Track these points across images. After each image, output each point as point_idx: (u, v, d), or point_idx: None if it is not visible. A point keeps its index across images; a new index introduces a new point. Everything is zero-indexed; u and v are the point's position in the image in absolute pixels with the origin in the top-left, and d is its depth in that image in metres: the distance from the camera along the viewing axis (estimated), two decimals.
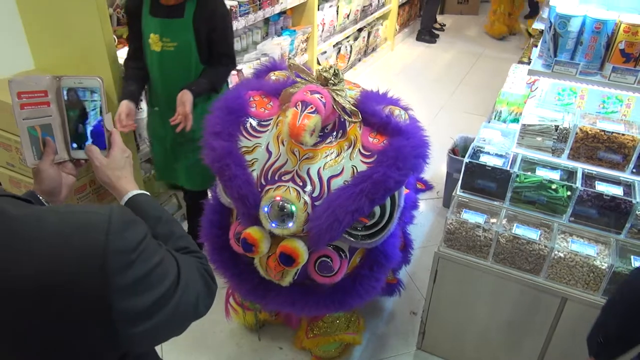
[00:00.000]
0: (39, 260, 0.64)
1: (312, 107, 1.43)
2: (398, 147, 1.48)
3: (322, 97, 1.47)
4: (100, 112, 1.04)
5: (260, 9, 3.34)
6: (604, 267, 1.83)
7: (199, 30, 2.09)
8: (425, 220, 3.18)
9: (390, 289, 2.36)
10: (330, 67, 1.60)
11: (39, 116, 1.00)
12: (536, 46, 3.03)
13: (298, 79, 1.68)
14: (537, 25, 3.18)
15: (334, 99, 1.54)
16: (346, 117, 1.56)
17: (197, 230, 1.88)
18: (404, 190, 1.99)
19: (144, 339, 0.75)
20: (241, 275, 1.80)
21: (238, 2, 3.13)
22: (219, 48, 2.21)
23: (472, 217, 2.07)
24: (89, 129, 1.04)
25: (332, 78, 1.58)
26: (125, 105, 2.09)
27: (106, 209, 0.71)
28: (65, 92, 1.01)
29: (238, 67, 3.31)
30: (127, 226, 0.71)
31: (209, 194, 2.20)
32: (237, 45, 3.49)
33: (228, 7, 3.01)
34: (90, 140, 1.05)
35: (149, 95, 2.30)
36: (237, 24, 3.14)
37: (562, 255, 1.89)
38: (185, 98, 2.05)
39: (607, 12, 1.90)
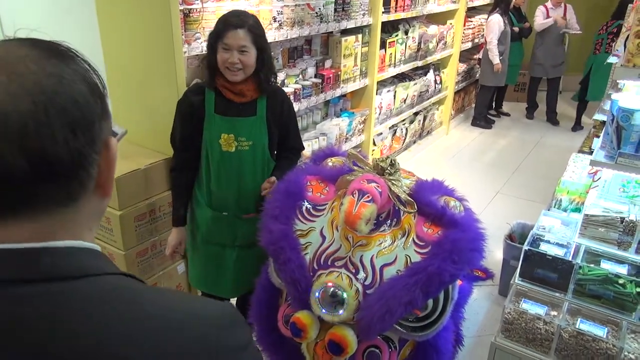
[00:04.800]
0: (149, 340, 0.58)
1: (368, 196, 1.45)
2: (454, 240, 1.46)
3: (378, 187, 1.49)
4: None
5: (322, 92, 3.54)
6: None
7: (271, 126, 2.02)
8: (480, 308, 3.06)
9: None
10: (387, 157, 1.64)
11: None
12: (597, 136, 3.01)
13: (355, 167, 1.72)
14: (598, 117, 3.18)
15: (390, 188, 1.56)
16: (401, 207, 1.57)
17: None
18: (458, 282, 1.94)
19: None
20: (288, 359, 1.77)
21: (302, 85, 3.33)
22: (291, 142, 2.15)
23: (532, 308, 1.98)
24: None
25: (389, 168, 1.62)
26: (179, 233, 2.13)
27: (217, 303, 0.67)
28: None
29: None
30: (239, 323, 0.66)
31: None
32: (298, 124, 3.67)
33: (292, 89, 3.24)
34: None
35: (208, 198, 2.08)
36: (300, 105, 3.33)
37: (633, 357, 1.76)
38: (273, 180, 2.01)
39: None
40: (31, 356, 0.53)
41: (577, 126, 6.35)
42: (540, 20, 6.12)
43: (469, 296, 2.23)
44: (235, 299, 2.44)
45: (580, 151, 3.37)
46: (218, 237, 2.11)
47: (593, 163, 2.04)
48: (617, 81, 2.91)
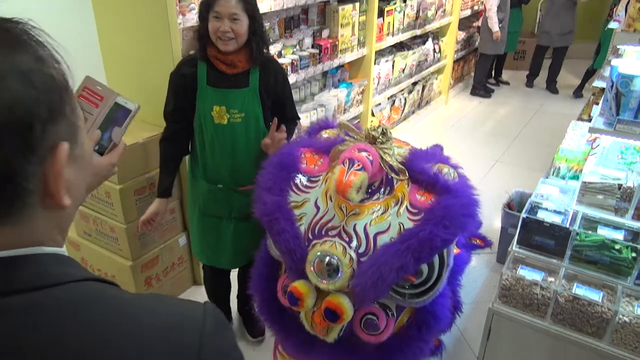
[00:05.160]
0: (127, 345, 0.55)
1: (359, 165, 1.45)
2: (446, 205, 1.46)
3: (369, 155, 1.49)
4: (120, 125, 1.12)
5: (319, 62, 3.50)
6: None
7: (263, 98, 2.00)
8: (478, 276, 3.10)
9: (432, 350, 2.29)
10: (379, 126, 1.63)
11: (84, 109, 1.09)
12: (596, 104, 3.00)
13: (347, 137, 1.71)
14: (598, 84, 3.16)
15: (381, 157, 1.56)
16: (393, 175, 1.57)
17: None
18: (455, 250, 1.95)
19: None
20: (287, 329, 1.79)
21: (299, 56, 3.30)
22: (287, 114, 2.13)
23: (529, 274, 2.01)
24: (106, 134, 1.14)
25: (380, 137, 1.61)
26: (160, 204, 2.09)
27: (197, 305, 0.63)
28: (112, 104, 1.14)
29: None
30: (222, 328, 0.62)
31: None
32: (296, 96, 3.64)
33: (290, 60, 3.20)
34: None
35: (203, 171, 2.09)
36: (297, 77, 3.30)
37: (627, 320, 1.80)
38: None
39: None
40: None
41: (579, 92, 6.30)
42: None
43: (467, 264, 2.26)
44: (237, 271, 2.48)
45: (580, 119, 3.35)
46: (214, 209, 2.13)
47: (592, 130, 2.04)
48: (617, 47, 2.88)
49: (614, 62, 2.05)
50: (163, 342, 0.56)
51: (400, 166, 1.58)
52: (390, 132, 1.63)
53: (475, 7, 6.17)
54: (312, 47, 3.52)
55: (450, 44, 5.69)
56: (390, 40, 4.39)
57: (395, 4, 4.36)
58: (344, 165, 1.46)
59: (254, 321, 2.57)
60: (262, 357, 2.46)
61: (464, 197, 1.50)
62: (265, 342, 2.54)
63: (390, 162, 1.57)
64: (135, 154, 2.35)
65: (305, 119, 3.46)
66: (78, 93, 1.11)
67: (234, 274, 2.49)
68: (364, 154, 1.48)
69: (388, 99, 4.75)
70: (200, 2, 1.93)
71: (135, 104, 1.16)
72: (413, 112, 5.32)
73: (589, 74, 6.16)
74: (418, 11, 4.73)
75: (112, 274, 2.58)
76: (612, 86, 1.95)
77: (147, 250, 2.55)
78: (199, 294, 2.82)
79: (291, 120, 2.18)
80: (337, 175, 1.46)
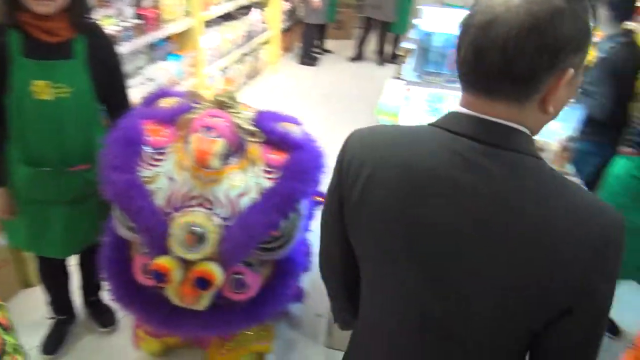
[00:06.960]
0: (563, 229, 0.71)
1: (216, 131, 1.45)
2: (299, 160, 1.56)
3: (224, 121, 1.50)
4: None
5: (144, 34, 3.32)
6: None
7: (95, 71, 1.81)
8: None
9: (296, 296, 2.44)
10: (225, 91, 1.65)
11: None
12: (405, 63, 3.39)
13: (196, 105, 1.69)
14: (406, 45, 3.56)
15: (234, 121, 1.59)
16: (249, 138, 1.60)
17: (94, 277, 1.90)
18: None
19: None
20: (150, 308, 1.74)
21: (122, 27, 3.09)
22: (119, 92, 1.98)
23: None
24: None
25: (229, 101, 1.63)
26: (4, 193, 1.89)
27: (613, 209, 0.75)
28: None
29: None
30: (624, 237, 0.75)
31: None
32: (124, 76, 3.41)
33: (111, 32, 2.97)
34: None
35: (23, 154, 1.84)
36: (122, 49, 3.09)
37: None
38: None
39: None
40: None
41: (380, 58, 6.92)
42: None
43: (312, 214, 2.40)
44: (79, 258, 2.28)
45: (396, 77, 3.74)
46: (40, 194, 1.89)
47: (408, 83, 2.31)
48: (417, 7, 3.25)
49: (415, 21, 2.35)
50: (590, 219, 0.72)
51: (254, 128, 1.62)
52: (236, 96, 1.66)
53: None
54: (134, 17, 3.31)
55: (275, 15, 5.81)
56: (216, 10, 4.33)
57: None
58: (200, 133, 1.44)
59: (102, 311, 2.42)
60: (118, 345, 2.35)
61: (313, 151, 1.62)
62: (119, 330, 2.43)
63: (243, 125, 1.60)
64: None
65: (136, 94, 3.27)
66: None
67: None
68: (218, 120, 1.48)
69: (220, 70, 4.71)
70: None
71: None
72: (245, 83, 5.37)
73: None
74: None
75: None
76: (417, 43, 2.24)
77: None
78: (34, 298, 2.52)
79: (124, 99, 2.01)
80: (195, 144, 1.43)
